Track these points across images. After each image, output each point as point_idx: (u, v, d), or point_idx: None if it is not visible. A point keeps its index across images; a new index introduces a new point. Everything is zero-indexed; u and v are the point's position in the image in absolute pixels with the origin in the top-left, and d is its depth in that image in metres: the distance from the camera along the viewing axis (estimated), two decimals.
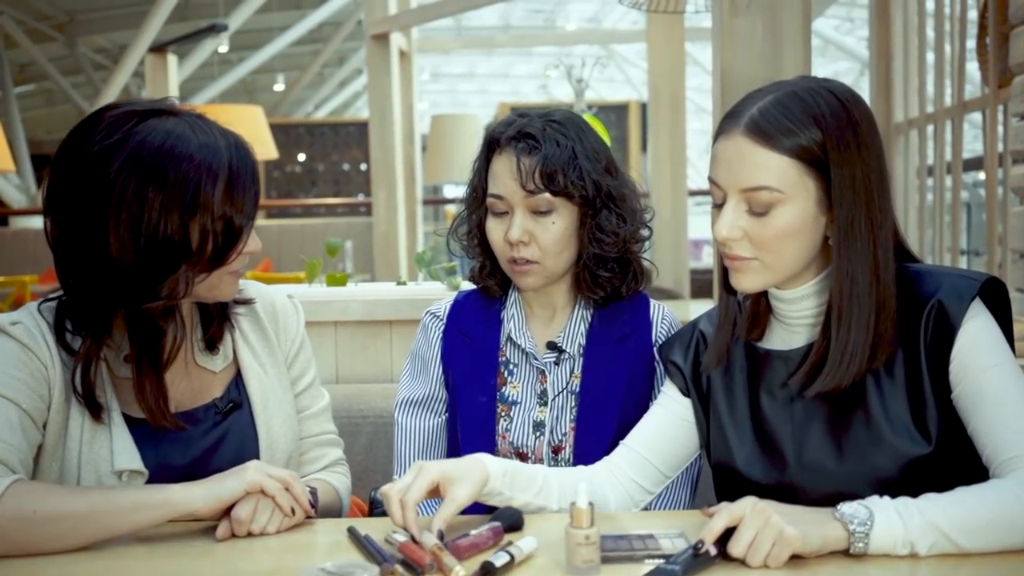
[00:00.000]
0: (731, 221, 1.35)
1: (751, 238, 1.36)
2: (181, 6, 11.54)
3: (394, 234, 6.47)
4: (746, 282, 1.39)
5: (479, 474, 1.38)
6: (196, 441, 1.52)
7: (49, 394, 1.43)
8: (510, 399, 1.73)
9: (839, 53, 14.49)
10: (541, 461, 1.70)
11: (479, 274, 1.80)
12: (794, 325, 1.45)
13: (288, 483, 1.38)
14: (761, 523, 1.19)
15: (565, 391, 1.72)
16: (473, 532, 1.29)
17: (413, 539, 1.27)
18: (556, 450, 1.71)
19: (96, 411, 1.44)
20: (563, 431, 1.71)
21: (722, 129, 1.38)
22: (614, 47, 14.72)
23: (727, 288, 1.47)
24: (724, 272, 1.45)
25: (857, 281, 1.34)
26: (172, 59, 7.49)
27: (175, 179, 1.37)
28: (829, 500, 1.28)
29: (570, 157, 1.65)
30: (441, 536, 1.27)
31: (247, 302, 1.63)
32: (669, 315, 1.78)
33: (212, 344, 1.58)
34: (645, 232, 1.76)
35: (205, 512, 1.35)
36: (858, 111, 1.35)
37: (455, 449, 1.74)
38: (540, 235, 1.67)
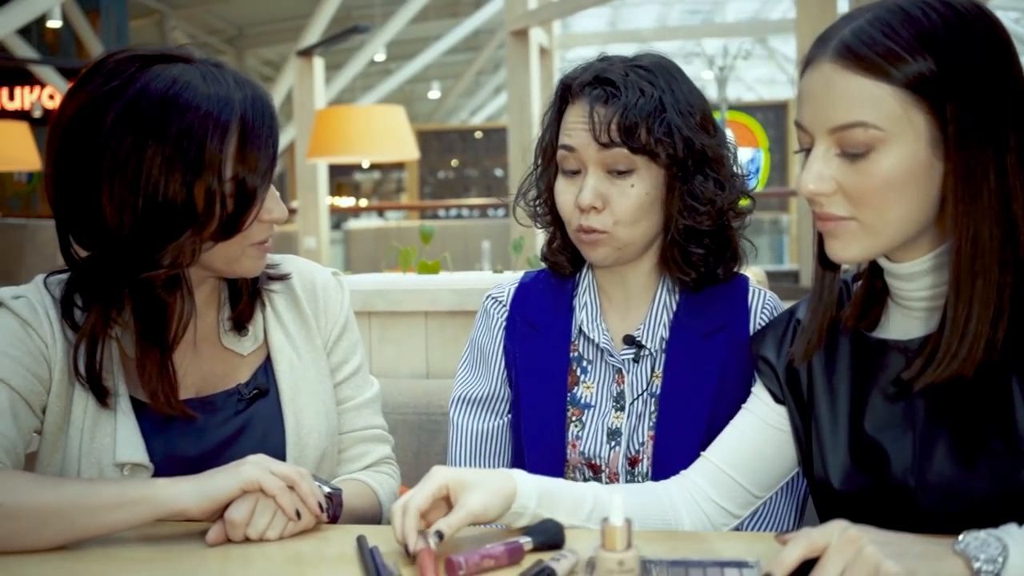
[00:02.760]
0: (819, 171, 1.08)
1: (846, 191, 1.08)
2: (342, 18, 11.75)
3: (531, 234, 6.30)
4: (843, 250, 1.12)
5: (501, 487, 1.15)
6: (212, 431, 1.35)
7: (49, 375, 1.29)
8: (582, 402, 1.49)
9: (1019, 48, 13.43)
10: (616, 474, 1.45)
11: (548, 247, 1.56)
12: (914, 308, 1.17)
13: (293, 481, 1.17)
14: (851, 555, 0.92)
15: (645, 393, 1.47)
16: (488, 546, 1.07)
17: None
18: (633, 462, 1.45)
19: (101, 395, 1.29)
20: (640, 440, 1.45)
21: (808, 58, 1.10)
22: (775, 47, 14.16)
23: (823, 262, 1.19)
24: (819, 242, 1.18)
25: (981, 243, 1.04)
26: (319, 62, 7.54)
27: (178, 132, 1.21)
28: (953, 524, 1.01)
29: (656, 108, 1.40)
30: (440, 537, 1.08)
31: (282, 278, 1.45)
32: (771, 302, 1.50)
33: (240, 324, 1.41)
34: (747, 203, 1.49)
35: (195, 512, 1.15)
36: (984, 27, 1.06)
37: (519, 456, 1.51)
38: (616, 200, 1.41)
